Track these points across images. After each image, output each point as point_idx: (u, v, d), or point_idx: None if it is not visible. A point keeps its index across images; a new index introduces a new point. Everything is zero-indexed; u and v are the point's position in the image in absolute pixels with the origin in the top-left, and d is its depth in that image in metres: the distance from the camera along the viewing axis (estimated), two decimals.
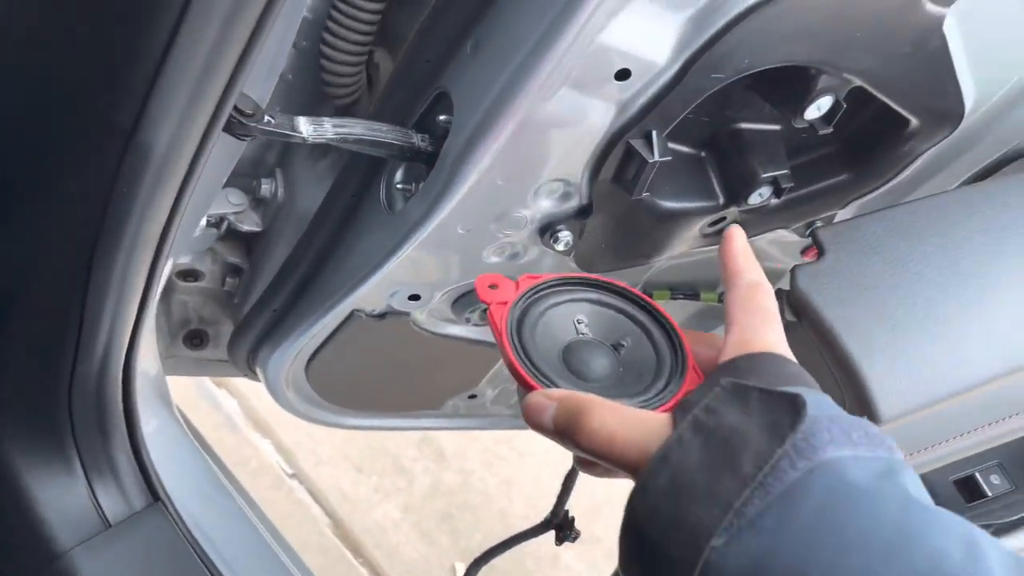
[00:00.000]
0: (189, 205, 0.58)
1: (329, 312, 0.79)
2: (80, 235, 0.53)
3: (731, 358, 0.48)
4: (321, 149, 0.82)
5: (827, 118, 0.66)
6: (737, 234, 0.55)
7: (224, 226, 0.87)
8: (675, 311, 1.04)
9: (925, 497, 0.40)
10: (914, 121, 0.71)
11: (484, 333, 0.94)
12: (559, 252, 0.73)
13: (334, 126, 0.62)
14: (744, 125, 0.73)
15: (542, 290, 0.55)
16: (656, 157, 0.62)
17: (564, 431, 0.47)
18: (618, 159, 0.65)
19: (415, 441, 2.04)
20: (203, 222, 0.84)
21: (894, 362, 0.58)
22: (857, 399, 0.58)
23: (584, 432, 0.46)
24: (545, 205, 0.69)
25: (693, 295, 0.98)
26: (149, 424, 0.86)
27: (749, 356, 0.48)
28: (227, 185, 0.84)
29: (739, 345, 0.49)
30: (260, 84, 0.61)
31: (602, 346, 0.54)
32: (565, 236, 0.72)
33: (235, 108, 0.56)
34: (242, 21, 0.44)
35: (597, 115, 0.61)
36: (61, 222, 0.53)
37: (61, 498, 0.78)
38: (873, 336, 0.58)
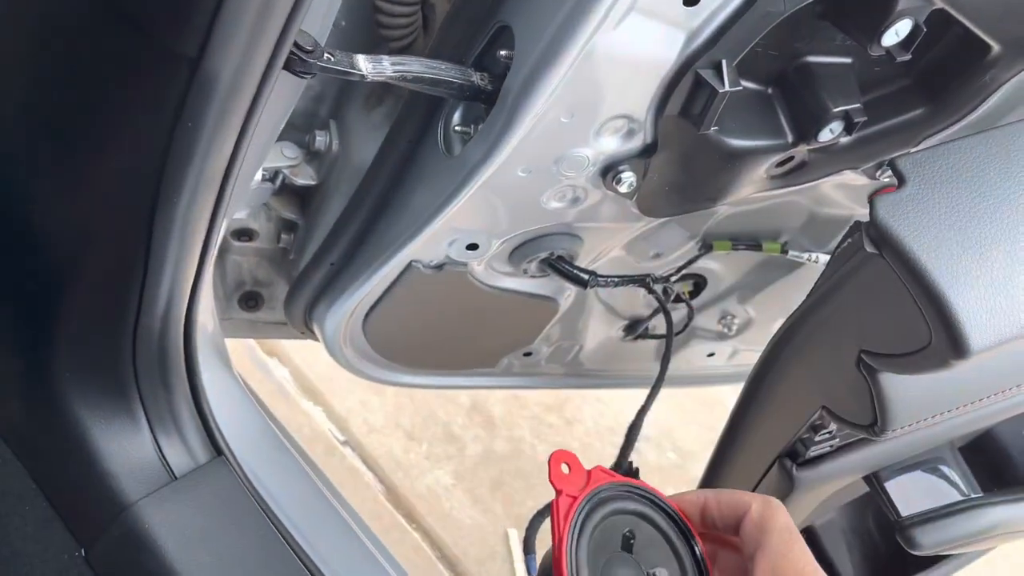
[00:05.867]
0: (248, 151, 0.57)
1: (387, 263, 0.78)
2: (145, 174, 0.52)
3: None
4: (376, 98, 0.81)
5: (905, 44, 0.63)
6: None
7: (279, 180, 0.86)
8: (738, 262, 1.02)
9: None
10: (996, 47, 0.67)
11: (541, 286, 0.93)
12: (622, 194, 0.71)
13: (392, 64, 0.61)
14: (813, 58, 0.70)
15: (608, 492, 0.61)
16: (727, 87, 0.60)
17: None
18: (685, 92, 0.62)
19: (465, 409, 2.04)
20: (258, 176, 0.84)
21: (983, 292, 0.55)
22: (945, 331, 0.55)
23: None
24: (608, 144, 0.67)
25: (755, 245, 0.95)
26: (209, 379, 0.86)
27: None
28: (281, 139, 0.84)
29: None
30: (317, 24, 0.60)
31: (640, 572, 0.59)
32: (628, 177, 0.70)
33: (295, 44, 0.55)
34: None
35: (665, 43, 0.59)
36: (126, 161, 0.53)
37: (127, 451, 0.78)
38: (959, 265, 0.55)
